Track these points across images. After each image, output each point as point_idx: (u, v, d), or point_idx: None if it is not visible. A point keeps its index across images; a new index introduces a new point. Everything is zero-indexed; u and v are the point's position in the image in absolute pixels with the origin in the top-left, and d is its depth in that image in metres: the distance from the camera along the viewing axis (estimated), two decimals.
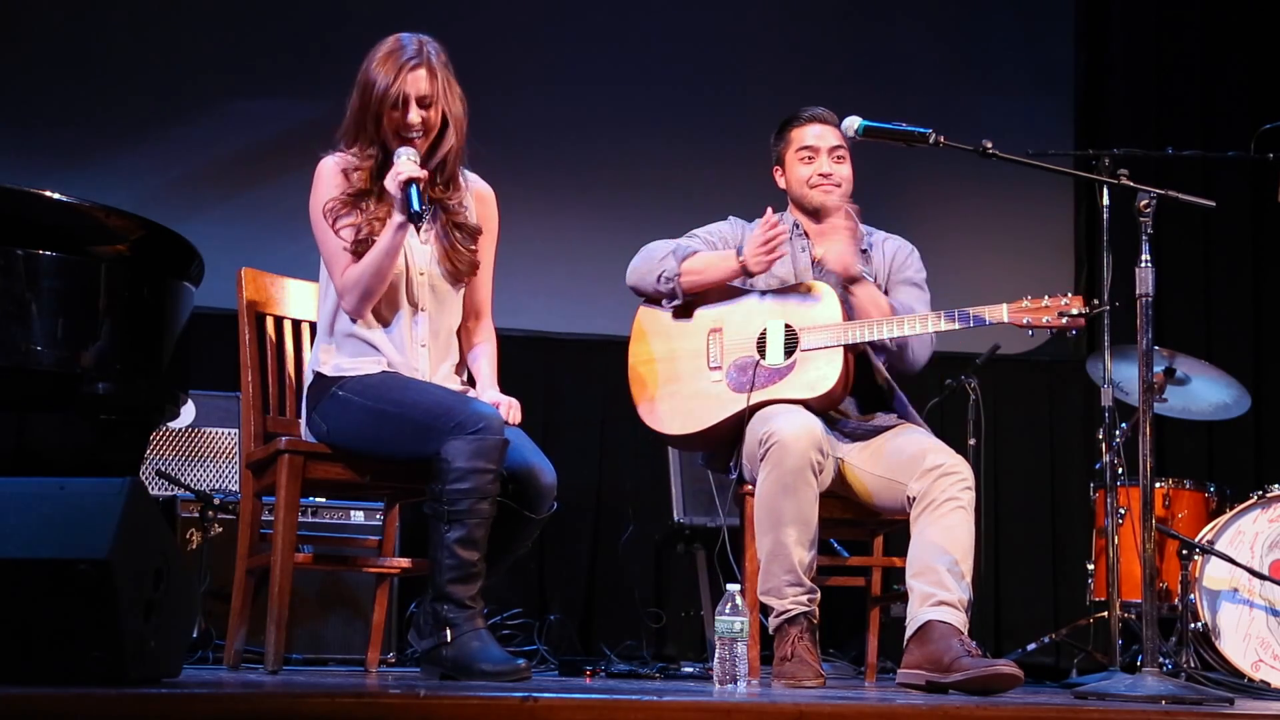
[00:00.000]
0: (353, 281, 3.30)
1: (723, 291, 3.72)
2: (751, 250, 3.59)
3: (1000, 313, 3.53)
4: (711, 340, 3.70)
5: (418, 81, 3.29)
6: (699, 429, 3.67)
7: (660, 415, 3.71)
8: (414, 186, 3.22)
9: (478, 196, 3.49)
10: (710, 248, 3.76)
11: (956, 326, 3.55)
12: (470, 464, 3.14)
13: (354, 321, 3.36)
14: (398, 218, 3.25)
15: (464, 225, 3.41)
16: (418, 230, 3.31)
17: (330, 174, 3.36)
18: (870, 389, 3.71)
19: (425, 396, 3.26)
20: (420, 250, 3.38)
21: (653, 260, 3.72)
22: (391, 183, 3.24)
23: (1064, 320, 3.49)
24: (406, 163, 3.25)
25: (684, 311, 3.73)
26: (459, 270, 3.40)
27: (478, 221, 3.45)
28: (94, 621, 2.45)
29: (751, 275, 3.64)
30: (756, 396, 3.58)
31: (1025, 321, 3.52)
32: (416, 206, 3.20)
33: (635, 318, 3.79)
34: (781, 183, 3.84)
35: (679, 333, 3.73)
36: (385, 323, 3.37)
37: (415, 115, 3.29)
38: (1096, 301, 3.62)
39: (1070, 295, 3.51)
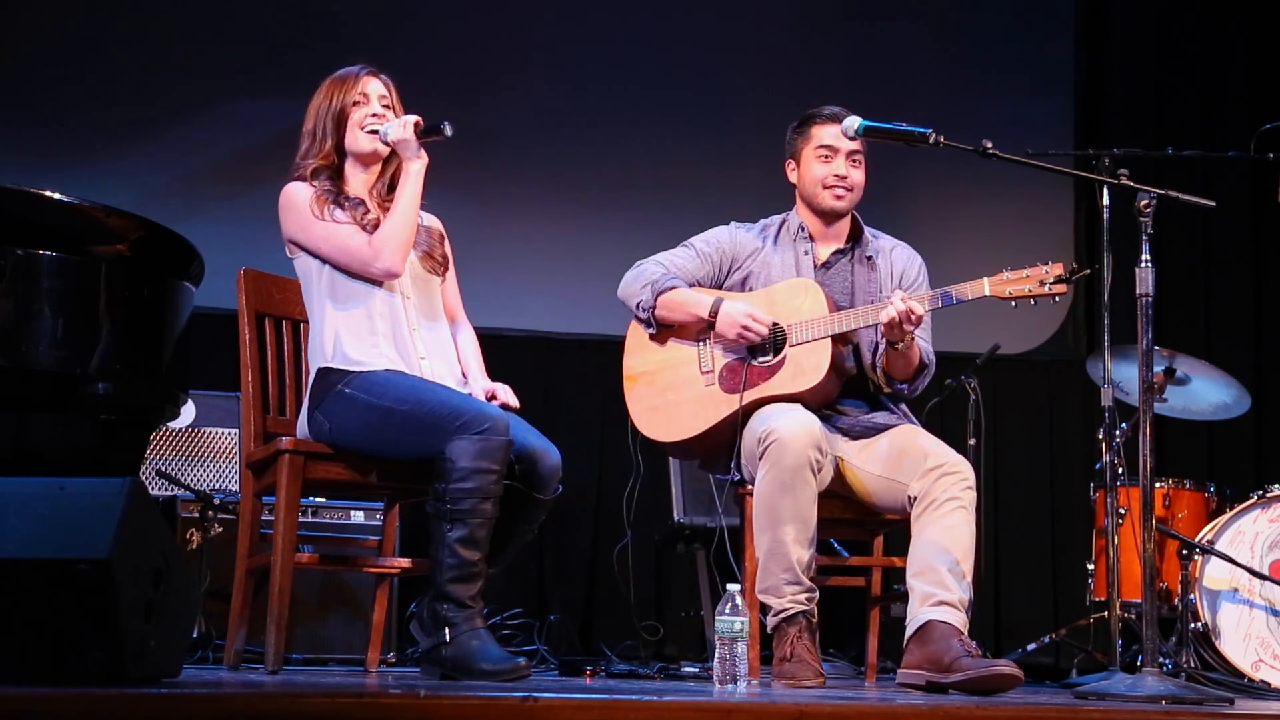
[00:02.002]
0: (383, 239, 3.39)
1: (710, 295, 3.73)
2: (731, 324, 3.60)
3: (982, 287, 3.51)
4: (702, 345, 3.71)
5: (375, 86, 3.51)
6: (696, 434, 3.67)
7: (657, 424, 3.73)
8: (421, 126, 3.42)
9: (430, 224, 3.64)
10: (705, 259, 3.78)
11: (940, 306, 3.54)
12: (475, 464, 3.16)
13: (351, 310, 3.40)
14: (413, 165, 3.41)
15: (420, 224, 3.54)
16: (447, 135, 3.39)
17: (300, 187, 3.46)
18: (869, 387, 3.71)
19: (431, 395, 3.29)
20: None
21: (635, 286, 3.75)
22: (404, 131, 3.39)
23: (1045, 289, 3.47)
24: (401, 119, 3.42)
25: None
26: (435, 261, 3.54)
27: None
28: (94, 621, 2.45)
29: (713, 329, 3.67)
30: (750, 395, 3.59)
31: (1008, 293, 3.49)
32: (437, 121, 3.39)
33: (627, 332, 3.81)
34: (793, 177, 3.81)
35: (670, 342, 3.75)
36: (380, 309, 3.42)
37: (378, 105, 3.48)
38: (1076, 265, 3.57)
39: (1051, 262, 3.48)
